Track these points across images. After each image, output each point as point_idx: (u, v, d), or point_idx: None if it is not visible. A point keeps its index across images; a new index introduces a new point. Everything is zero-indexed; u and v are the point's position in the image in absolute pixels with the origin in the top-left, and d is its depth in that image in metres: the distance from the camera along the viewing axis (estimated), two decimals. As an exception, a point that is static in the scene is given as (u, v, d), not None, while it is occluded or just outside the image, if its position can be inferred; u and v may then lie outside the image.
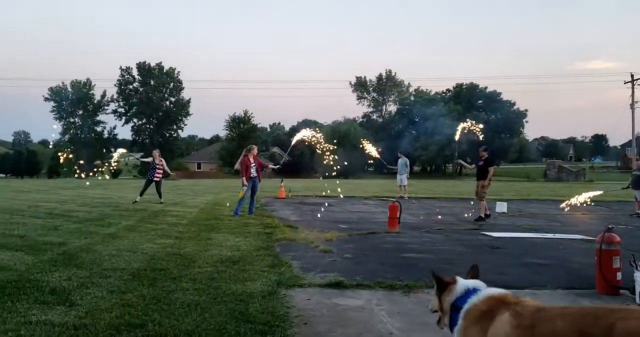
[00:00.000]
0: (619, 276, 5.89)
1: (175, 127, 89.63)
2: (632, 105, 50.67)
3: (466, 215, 14.42)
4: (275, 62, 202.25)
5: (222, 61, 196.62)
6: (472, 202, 15.70)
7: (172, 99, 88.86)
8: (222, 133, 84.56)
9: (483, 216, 13.45)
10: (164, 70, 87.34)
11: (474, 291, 2.44)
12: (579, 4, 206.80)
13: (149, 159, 17.09)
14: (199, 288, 5.47)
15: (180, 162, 79.59)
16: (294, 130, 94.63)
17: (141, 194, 16.82)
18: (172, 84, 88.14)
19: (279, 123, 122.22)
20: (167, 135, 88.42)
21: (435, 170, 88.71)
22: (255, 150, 13.72)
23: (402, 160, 21.30)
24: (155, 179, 16.78)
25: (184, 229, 10.34)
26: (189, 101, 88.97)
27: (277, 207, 16.00)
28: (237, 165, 13.85)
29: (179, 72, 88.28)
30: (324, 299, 5.32)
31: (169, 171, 17.64)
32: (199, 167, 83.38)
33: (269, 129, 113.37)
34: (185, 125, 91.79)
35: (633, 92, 50.50)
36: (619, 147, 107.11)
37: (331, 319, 4.65)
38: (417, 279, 6.15)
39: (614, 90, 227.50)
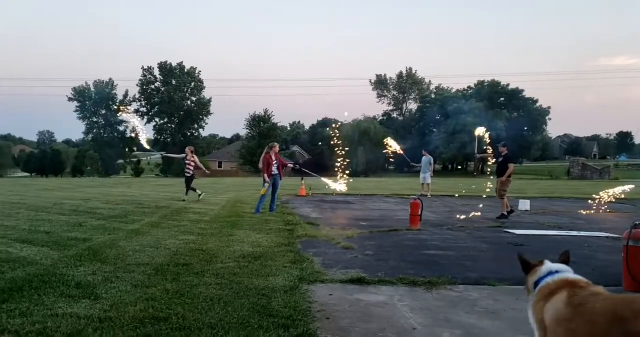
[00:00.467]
0: (647, 273, 5.77)
1: (196, 126, 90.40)
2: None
3: (486, 213, 14.27)
4: (296, 61, 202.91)
5: (242, 61, 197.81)
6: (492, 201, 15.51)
7: (194, 99, 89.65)
8: (243, 132, 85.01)
9: (505, 213, 13.30)
10: (185, 70, 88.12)
11: (556, 273, 2.72)
12: (598, 1, 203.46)
13: (182, 156, 17.33)
14: (222, 283, 5.50)
15: (202, 161, 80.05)
16: (314, 128, 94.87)
17: (186, 193, 16.98)
18: (193, 84, 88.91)
19: (299, 122, 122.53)
20: (189, 134, 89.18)
21: (457, 168, 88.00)
22: (277, 148, 13.79)
23: (427, 159, 21.18)
24: (186, 174, 16.99)
25: (206, 226, 10.41)
26: (210, 101, 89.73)
27: (297, 205, 16.02)
28: (260, 163, 13.85)
29: (200, 71, 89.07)
30: (346, 294, 5.31)
31: (203, 168, 18.06)
32: (220, 166, 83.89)
33: (289, 128, 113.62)
34: (207, 124, 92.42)
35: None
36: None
37: (354, 314, 4.64)
38: (439, 275, 6.11)
39: (639, 86, 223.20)
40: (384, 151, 17.81)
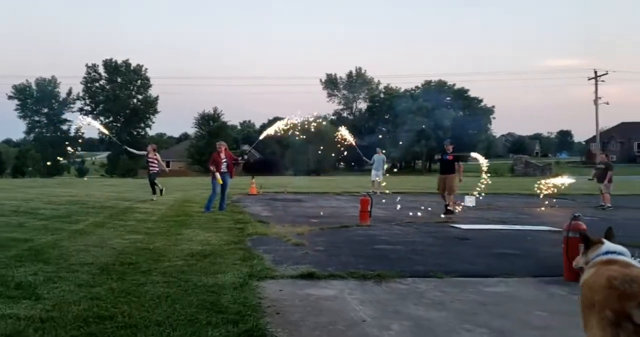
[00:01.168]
0: (585, 262, 6.01)
1: (143, 125, 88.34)
2: (595, 102, 51.92)
3: (430, 209, 14.57)
4: (246, 59, 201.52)
5: (191, 59, 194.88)
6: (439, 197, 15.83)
7: (140, 97, 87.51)
8: (191, 131, 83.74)
9: (452, 209, 13.62)
10: (131, 68, 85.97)
11: (612, 253, 2.75)
12: (543, 3, 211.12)
13: (143, 153, 17.27)
14: (169, 281, 5.41)
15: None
16: (265, 127, 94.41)
17: (154, 192, 16.91)
18: (139, 82, 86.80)
19: (249, 121, 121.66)
20: (135, 133, 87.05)
21: (405, 166, 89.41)
22: (223, 146, 13.67)
23: (380, 157, 21.39)
24: (150, 172, 16.98)
25: (154, 225, 10.21)
26: (157, 99, 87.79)
27: (248, 204, 15.91)
28: (209, 164, 13.74)
29: (147, 69, 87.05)
30: (297, 289, 5.31)
31: (164, 167, 17.91)
32: (167, 166, 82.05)
33: (239, 127, 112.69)
34: (153, 123, 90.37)
35: (596, 88, 51.78)
36: (584, 143, 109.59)
37: (304, 308, 4.65)
38: (388, 269, 6.19)
39: (578, 87, 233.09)
40: (338, 144, 17.83)
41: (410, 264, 6.72)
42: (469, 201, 15.69)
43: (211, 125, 75.22)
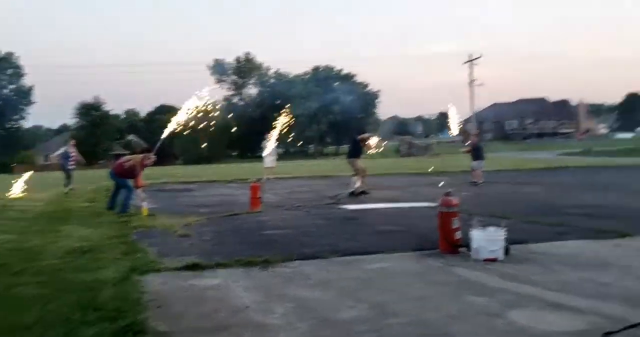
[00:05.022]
0: (458, 235, 6.43)
1: (17, 117, 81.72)
2: (470, 84, 55.28)
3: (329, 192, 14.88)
4: (129, 45, 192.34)
5: (68, 46, 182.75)
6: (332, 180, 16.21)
7: (12, 87, 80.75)
8: (71, 122, 78.66)
9: (361, 191, 14.02)
10: (1, 55, 78.93)
11: None
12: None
13: (64, 148, 17.21)
14: (43, 281, 5.10)
15: (26, 155, 72.92)
16: (151, 116, 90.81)
17: (66, 185, 16.82)
18: (10, 70, 79.99)
19: (134, 109, 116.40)
20: (9, 126, 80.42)
21: (298, 151, 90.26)
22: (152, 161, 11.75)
23: (272, 143, 21.28)
24: (70, 167, 17.12)
25: (29, 223, 9.55)
26: (31, 88, 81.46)
27: (133, 196, 15.27)
28: (131, 167, 11.31)
29: (19, 56, 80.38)
30: (181, 281, 5.21)
31: (84, 161, 17.69)
32: (46, 160, 76.91)
33: (123, 116, 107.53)
34: (29, 114, 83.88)
35: (471, 71, 55.08)
36: (462, 123, 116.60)
37: (187, 300, 4.58)
38: (276, 254, 6.24)
39: (455, 70, 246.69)
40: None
41: (298, 247, 6.82)
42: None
43: (93, 115, 71.20)
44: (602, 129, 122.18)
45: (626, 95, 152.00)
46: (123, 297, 4.47)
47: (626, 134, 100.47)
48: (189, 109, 12.24)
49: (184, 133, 13.62)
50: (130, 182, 11.42)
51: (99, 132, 70.19)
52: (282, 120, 16.77)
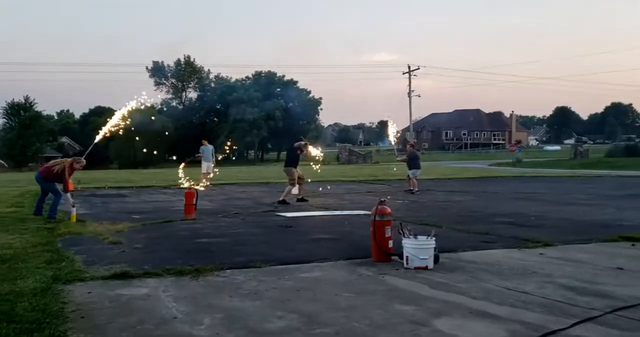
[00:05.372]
0: (391, 243, 6.54)
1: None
2: (409, 94, 56.64)
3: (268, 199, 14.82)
4: (64, 45, 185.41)
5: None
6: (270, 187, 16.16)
7: None
8: (-1, 122, 74.89)
9: (301, 197, 14.27)
10: None
11: None
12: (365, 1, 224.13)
13: None
14: (-44, 293, 4.81)
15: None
16: (86, 117, 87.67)
17: None
18: None
19: (67, 110, 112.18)
20: None
21: (238, 156, 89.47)
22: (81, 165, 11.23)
23: (208, 148, 21.02)
24: None
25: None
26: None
27: (62, 201, 14.69)
28: (60, 172, 10.78)
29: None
30: (107, 290, 5.05)
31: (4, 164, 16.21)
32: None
33: (56, 117, 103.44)
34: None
35: (410, 81, 56.46)
36: (400, 132, 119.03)
37: (113, 310, 4.44)
38: (207, 262, 6.15)
39: (395, 80, 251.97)
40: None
41: (231, 256, 6.75)
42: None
43: (22, 116, 68.10)
44: (532, 140, 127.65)
45: (555, 108, 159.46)
46: (42, 309, 4.28)
47: (555, 146, 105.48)
48: (124, 115, 12.02)
49: (119, 135, 13.25)
50: (59, 186, 11.03)
51: (29, 134, 67.16)
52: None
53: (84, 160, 11.34)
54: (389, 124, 18.57)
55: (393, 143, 19.79)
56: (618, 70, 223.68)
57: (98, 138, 12.26)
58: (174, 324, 4.07)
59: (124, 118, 12.23)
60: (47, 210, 10.87)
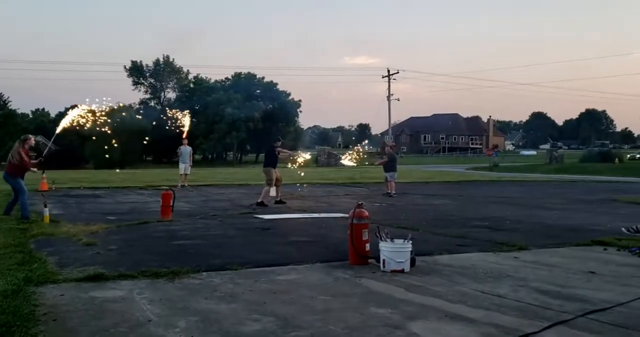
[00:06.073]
0: (368, 246, 6.56)
1: None
2: (388, 98, 56.94)
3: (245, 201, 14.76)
4: (38, 41, 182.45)
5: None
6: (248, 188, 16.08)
7: None
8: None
9: (279, 199, 14.26)
10: None
11: None
12: (348, 5, 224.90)
13: None
14: None
15: None
16: (62, 116, 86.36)
17: None
18: None
19: (43, 109, 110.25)
20: None
21: (217, 158, 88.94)
22: (31, 141, 11.18)
23: (187, 149, 20.84)
24: None
25: None
26: None
27: (37, 201, 14.44)
28: (16, 157, 10.70)
29: None
30: (80, 293, 4.97)
31: None
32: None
33: (31, 116, 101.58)
34: None
35: (389, 85, 56.79)
36: (379, 135, 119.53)
37: (86, 312, 4.37)
38: (183, 265, 6.10)
39: (375, 83, 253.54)
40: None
41: (207, 258, 6.71)
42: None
43: (-5, 114, 66.90)
44: (509, 145, 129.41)
45: (531, 114, 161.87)
46: (13, 311, 4.19)
47: (531, 151, 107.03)
48: (74, 117, 12.19)
49: (95, 135, 13.33)
50: (23, 182, 10.85)
51: (2, 133, 65.99)
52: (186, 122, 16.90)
53: (31, 136, 11.41)
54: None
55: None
56: (592, 77, 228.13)
57: (58, 130, 12.55)
58: (149, 327, 4.02)
59: (93, 113, 12.39)
60: (20, 210, 10.69)
